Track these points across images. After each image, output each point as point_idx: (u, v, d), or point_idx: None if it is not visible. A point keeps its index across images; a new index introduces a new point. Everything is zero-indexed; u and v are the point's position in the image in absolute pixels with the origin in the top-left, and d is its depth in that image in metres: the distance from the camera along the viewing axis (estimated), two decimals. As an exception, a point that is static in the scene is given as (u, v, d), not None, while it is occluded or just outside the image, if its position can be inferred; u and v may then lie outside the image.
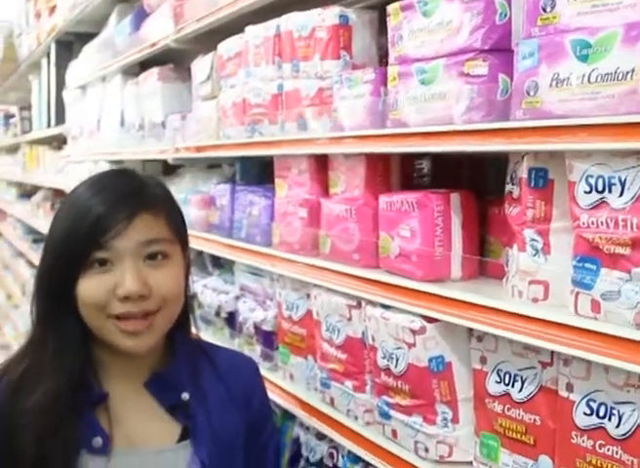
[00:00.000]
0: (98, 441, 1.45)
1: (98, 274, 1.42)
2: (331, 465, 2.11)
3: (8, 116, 9.93)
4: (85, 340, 1.49)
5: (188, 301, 1.63)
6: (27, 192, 8.01)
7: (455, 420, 1.67)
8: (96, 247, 1.41)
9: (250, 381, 1.70)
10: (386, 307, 1.76)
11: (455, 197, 1.65)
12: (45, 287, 1.50)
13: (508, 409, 1.53)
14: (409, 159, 1.96)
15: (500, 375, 1.55)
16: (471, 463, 1.66)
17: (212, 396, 1.58)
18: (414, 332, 1.64)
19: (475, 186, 1.80)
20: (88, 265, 1.42)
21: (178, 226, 1.53)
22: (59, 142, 5.91)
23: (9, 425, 1.43)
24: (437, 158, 2.08)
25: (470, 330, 1.60)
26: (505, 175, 1.56)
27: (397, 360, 1.72)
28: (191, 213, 2.92)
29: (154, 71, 3.34)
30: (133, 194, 1.47)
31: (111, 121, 4.10)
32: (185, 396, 1.54)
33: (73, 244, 1.43)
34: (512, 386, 1.52)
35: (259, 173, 2.68)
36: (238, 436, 1.60)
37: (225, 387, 1.61)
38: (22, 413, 1.42)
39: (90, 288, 1.42)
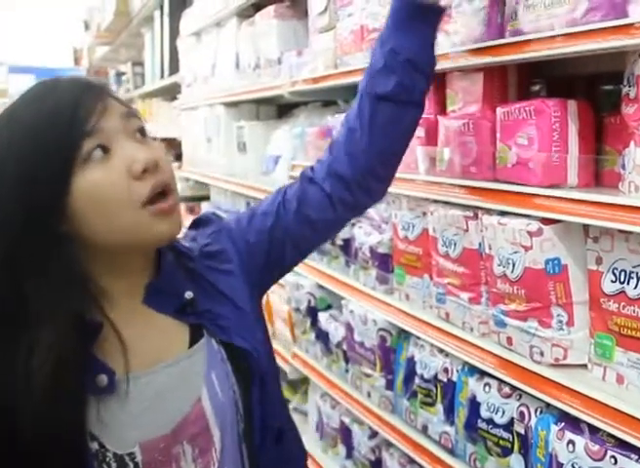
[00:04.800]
0: (102, 378, 1.31)
1: (99, 164, 1.28)
2: (445, 380, 2.18)
3: (119, 74, 10.16)
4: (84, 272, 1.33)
5: None
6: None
7: (570, 323, 1.73)
8: (85, 135, 1.27)
9: (225, 237, 1.58)
10: (503, 214, 1.82)
11: (572, 104, 1.69)
12: (14, 214, 1.28)
13: (624, 307, 1.57)
14: (524, 78, 2.00)
15: (615, 274, 1.59)
16: (586, 366, 1.71)
17: (215, 281, 1.50)
18: (531, 235, 1.70)
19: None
20: (81, 161, 1.27)
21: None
22: (172, 94, 6.07)
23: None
24: (551, 81, 2.12)
25: (586, 231, 1.65)
26: (618, 95, 1.60)
27: (514, 265, 1.78)
28: (308, 145, 3.02)
29: (270, 9, 3.42)
30: (90, 82, 1.36)
31: (226, 64, 4.20)
32: (189, 294, 1.44)
33: (56, 143, 1.26)
34: (627, 283, 1.56)
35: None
36: (249, 295, 1.54)
37: (215, 264, 1.53)
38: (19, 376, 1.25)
39: (101, 179, 1.27)
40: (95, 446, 1.30)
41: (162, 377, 1.37)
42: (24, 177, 1.27)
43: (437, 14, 1.67)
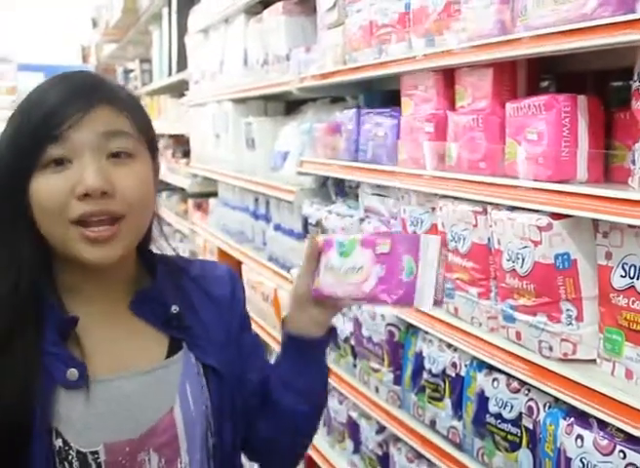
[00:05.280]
0: (73, 373, 1.31)
1: (54, 173, 1.28)
2: (453, 375, 2.19)
3: (127, 71, 10.20)
4: (42, 258, 1.35)
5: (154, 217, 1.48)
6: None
7: (579, 318, 1.73)
8: (50, 140, 1.27)
9: (230, 285, 1.59)
10: (512, 209, 1.83)
11: (582, 99, 1.70)
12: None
13: (633, 302, 1.58)
14: (534, 74, 2.01)
15: (624, 269, 1.60)
16: (595, 361, 1.71)
17: (201, 307, 1.51)
18: (540, 229, 1.71)
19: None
20: (43, 164, 1.28)
21: (143, 124, 1.39)
22: (180, 91, 6.09)
23: None
24: (560, 77, 2.13)
25: (596, 226, 1.66)
26: (627, 91, 1.60)
27: (523, 259, 1.79)
28: (316, 141, 3.02)
29: (279, 6, 3.42)
30: (91, 86, 1.34)
31: (234, 61, 4.22)
32: (175, 308, 1.44)
33: (25, 138, 1.28)
34: (637, 278, 1.56)
35: (382, 104, 2.75)
36: (233, 340, 1.54)
37: (209, 296, 1.54)
38: None
39: (46, 188, 1.28)
40: (59, 442, 1.30)
41: (135, 383, 1.38)
42: (8, 148, 1.32)
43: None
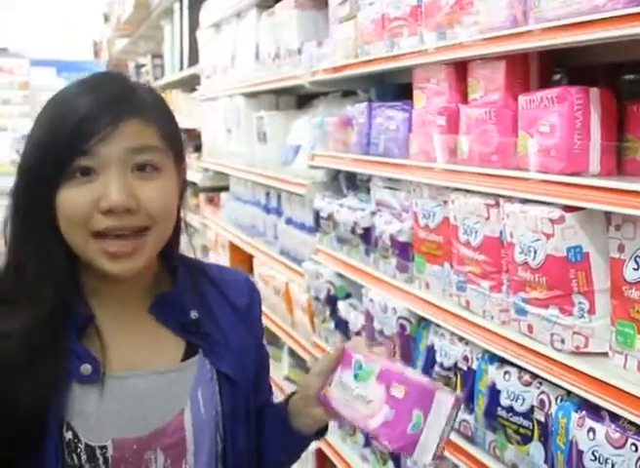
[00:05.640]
0: (87, 368, 1.34)
1: (80, 184, 1.29)
2: (465, 368, 2.19)
3: (139, 66, 10.21)
4: (71, 263, 1.37)
5: (180, 223, 1.52)
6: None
7: (591, 311, 1.73)
8: (79, 153, 1.28)
9: (250, 295, 1.63)
10: (524, 202, 1.82)
11: (594, 92, 1.69)
12: (23, 200, 1.36)
13: (646, 295, 1.58)
14: (546, 67, 2.00)
15: (637, 262, 1.59)
16: (607, 354, 1.71)
17: (220, 313, 1.53)
18: (552, 222, 1.70)
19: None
20: (70, 174, 1.29)
21: (171, 136, 1.40)
22: (191, 85, 6.10)
23: None
24: (573, 70, 2.12)
25: (608, 219, 1.65)
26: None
27: (535, 252, 1.79)
28: (328, 134, 3.02)
29: (290, 0, 3.44)
30: (121, 98, 1.34)
31: (246, 55, 4.22)
32: (194, 314, 1.46)
33: (54, 149, 1.29)
34: (650, 271, 1.57)
35: (394, 97, 2.75)
36: (250, 350, 1.56)
37: (229, 303, 1.56)
38: None
39: (71, 199, 1.29)
40: (69, 435, 1.33)
41: (148, 382, 1.40)
42: (35, 157, 1.33)
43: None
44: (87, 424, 1.34)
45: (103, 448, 1.34)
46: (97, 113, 1.30)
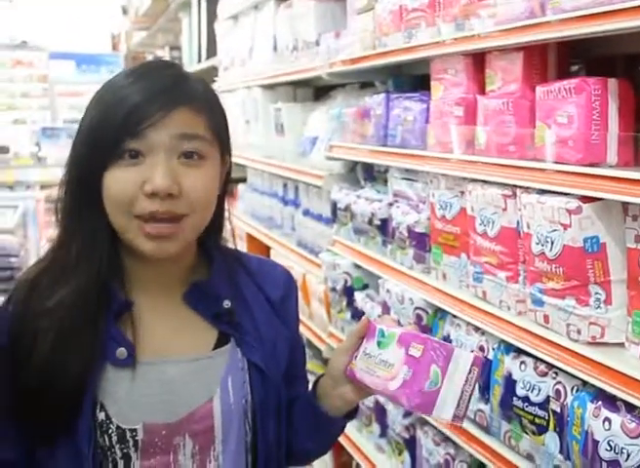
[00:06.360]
0: (122, 352, 1.39)
1: (127, 166, 1.34)
2: (481, 357, 2.19)
3: (156, 58, 10.25)
4: (113, 244, 1.42)
5: (223, 213, 1.60)
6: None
7: (608, 302, 1.73)
8: (129, 135, 1.33)
9: (286, 288, 1.66)
10: (541, 192, 1.83)
11: (612, 82, 1.69)
12: (74, 178, 1.41)
13: (662, 285, 1.58)
14: (564, 59, 2.00)
15: (654, 253, 1.60)
16: (623, 344, 1.71)
17: (254, 304, 1.55)
18: (569, 213, 1.71)
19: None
20: (119, 155, 1.34)
21: (218, 127, 1.43)
22: (209, 77, 6.10)
23: (22, 326, 1.38)
24: (590, 61, 2.12)
25: (626, 209, 1.65)
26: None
27: (552, 243, 1.79)
28: (345, 126, 3.03)
29: (308, -9, 3.44)
30: (173, 86, 1.38)
31: (263, 47, 4.23)
32: (227, 303, 1.49)
33: (106, 130, 1.34)
34: (667, 262, 1.57)
35: (411, 89, 2.74)
36: (282, 343, 1.57)
37: (264, 295, 1.58)
38: (40, 314, 1.37)
39: (118, 180, 1.34)
40: (102, 416, 1.37)
41: (179, 369, 1.43)
42: (87, 139, 1.39)
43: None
44: (119, 407, 1.38)
45: (134, 431, 1.38)
46: (150, 99, 1.34)
